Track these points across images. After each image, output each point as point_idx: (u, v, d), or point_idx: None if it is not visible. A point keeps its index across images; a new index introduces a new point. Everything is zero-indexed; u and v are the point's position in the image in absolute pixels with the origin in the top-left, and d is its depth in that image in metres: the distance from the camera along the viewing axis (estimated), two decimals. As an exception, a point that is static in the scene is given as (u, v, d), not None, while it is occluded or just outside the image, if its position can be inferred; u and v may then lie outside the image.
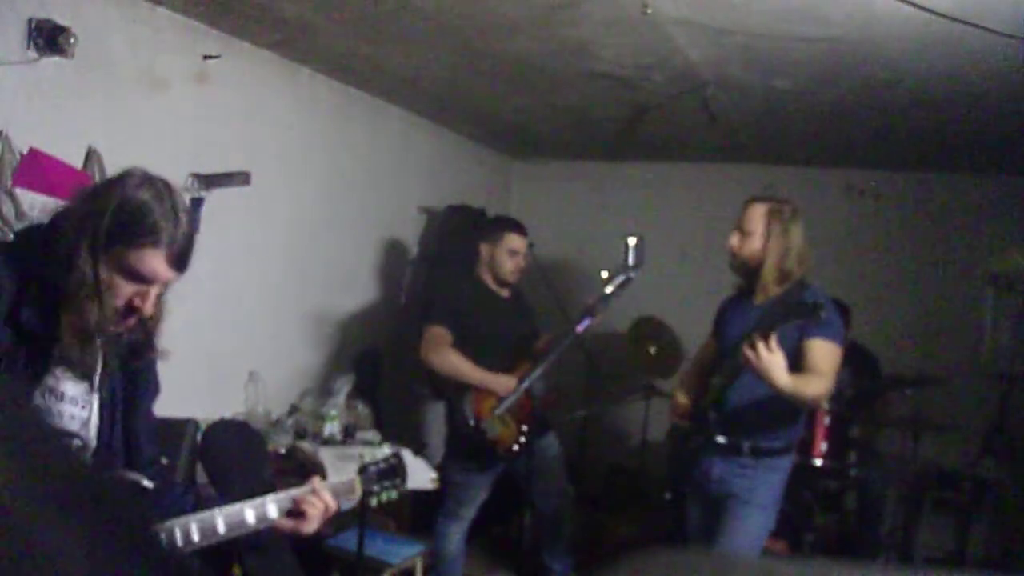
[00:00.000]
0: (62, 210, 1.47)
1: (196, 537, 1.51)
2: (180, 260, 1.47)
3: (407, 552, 3.37)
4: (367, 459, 1.88)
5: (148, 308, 1.48)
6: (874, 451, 4.25)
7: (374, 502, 1.85)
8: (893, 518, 4.30)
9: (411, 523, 3.90)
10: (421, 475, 2.84)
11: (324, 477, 2.67)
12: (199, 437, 3.12)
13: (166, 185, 1.48)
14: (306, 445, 3.48)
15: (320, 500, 1.68)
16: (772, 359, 2.32)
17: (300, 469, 3.30)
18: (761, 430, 2.62)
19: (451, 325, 3.33)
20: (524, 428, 3.32)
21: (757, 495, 2.60)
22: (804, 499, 3.88)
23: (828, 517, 4.01)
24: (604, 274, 2.76)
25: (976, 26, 2.56)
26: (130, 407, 1.60)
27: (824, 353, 2.49)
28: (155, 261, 1.43)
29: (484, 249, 3.50)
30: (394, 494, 1.87)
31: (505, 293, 3.55)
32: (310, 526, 1.67)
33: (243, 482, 2.90)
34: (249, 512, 1.59)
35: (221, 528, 1.54)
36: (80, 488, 0.43)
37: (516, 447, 3.32)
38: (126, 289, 1.44)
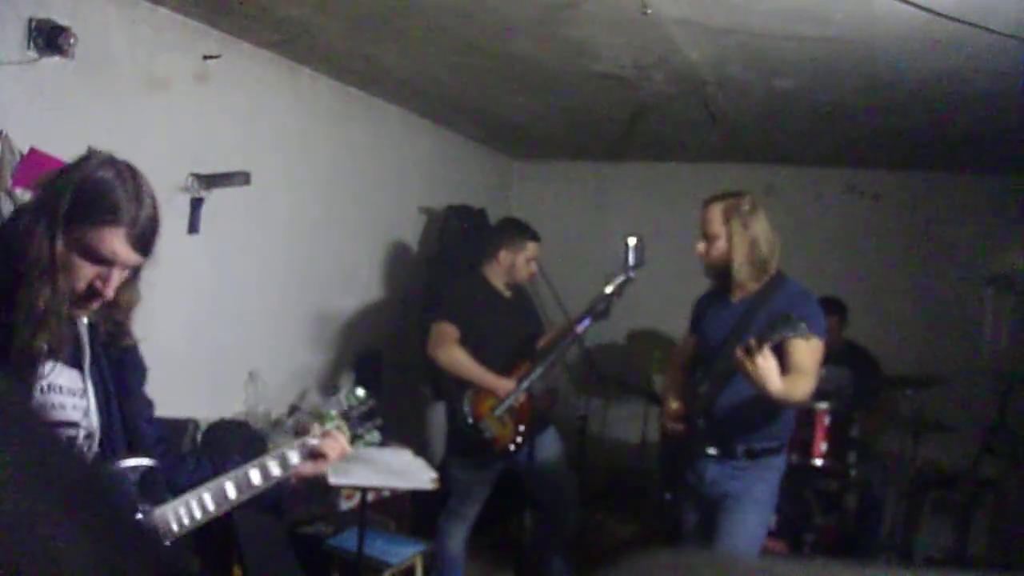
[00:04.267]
0: (27, 201, 1.47)
1: (232, 494, 1.60)
2: (142, 242, 1.44)
3: (407, 552, 3.37)
4: (345, 403, 1.95)
5: (109, 291, 1.44)
6: (874, 451, 4.25)
7: (361, 445, 1.95)
8: (893, 518, 4.30)
9: (411, 523, 3.90)
10: (421, 475, 2.84)
11: (324, 477, 2.68)
12: (199, 437, 3.12)
13: (129, 168, 1.47)
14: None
15: (336, 441, 1.79)
16: (768, 366, 2.30)
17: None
18: (754, 432, 2.60)
19: (458, 322, 3.36)
20: (522, 428, 3.34)
21: (752, 492, 2.59)
22: (804, 499, 3.88)
23: (828, 517, 4.01)
24: (609, 287, 2.77)
25: (977, 26, 2.56)
26: (124, 392, 1.59)
27: (806, 351, 2.48)
28: (115, 241, 1.39)
29: (504, 255, 3.53)
30: (376, 435, 1.97)
31: (508, 293, 3.58)
32: (327, 466, 1.80)
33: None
34: (272, 463, 1.69)
35: (256, 479, 1.65)
36: (80, 484, 0.43)
37: (513, 446, 3.34)
38: (87, 271, 1.41)
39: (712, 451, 2.64)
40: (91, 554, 0.39)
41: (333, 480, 2.67)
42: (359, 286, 4.53)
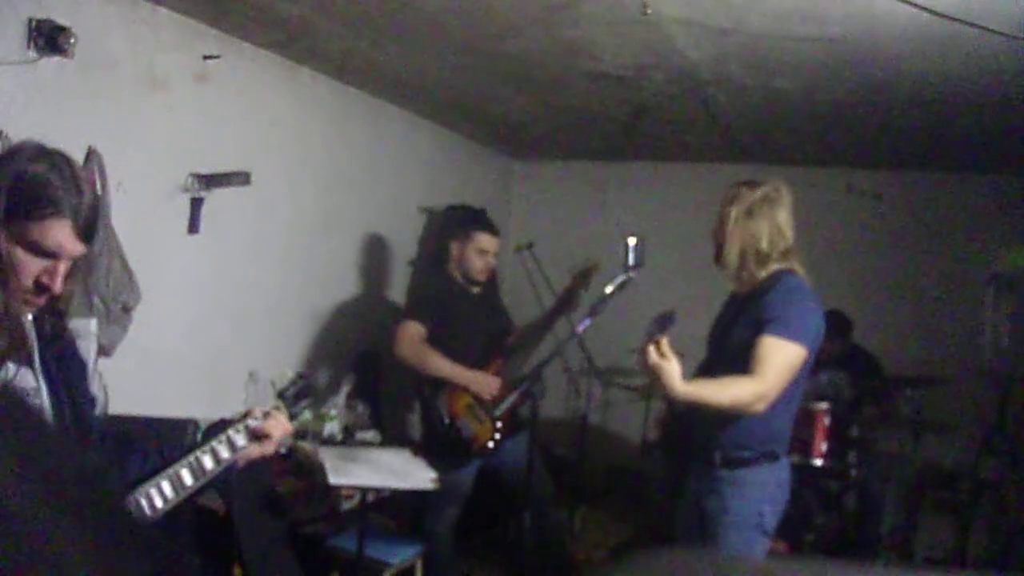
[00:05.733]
0: None
1: (189, 480, 1.66)
2: (86, 231, 1.42)
3: (407, 552, 3.37)
4: (277, 385, 2.02)
5: (57, 285, 1.42)
6: (874, 451, 4.25)
7: (295, 424, 2.00)
8: (893, 518, 4.29)
9: (411, 523, 3.90)
10: (421, 475, 2.84)
11: (324, 477, 2.68)
12: (199, 437, 3.11)
13: (63, 156, 1.45)
14: (306, 445, 3.48)
15: (277, 421, 1.86)
16: (656, 363, 2.15)
17: (300, 469, 3.30)
18: (727, 437, 2.38)
19: (424, 321, 3.34)
20: (499, 425, 3.33)
21: (731, 514, 2.38)
22: (804, 499, 3.88)
23: (828, 517, 4.01)
24: (608, 287, 2.73)
25: (976, 26, 2.56)
26: (70, 387, 1.56)
27: (770, 351, 2.25)
28: (61, 233, 1.38)
29: (454, 247, 3.51)
30: (308, 414, 2.01)
31: (475, 290, 3.56)
32: (272, 446, 1.87)
33: (242, 483, 2.90)
34: (221, 447, 1.76)
35: (209, 464, 1.71)
36: (80, 484, 0.43)
37: (491, 444, 3.33)
38: (33, 266, 1.39)
39: (658, 452, 2.52)
40: (89, 551, 0.39)
41: (333, 480, 2.67)
42: (359, 286, 4.52)
